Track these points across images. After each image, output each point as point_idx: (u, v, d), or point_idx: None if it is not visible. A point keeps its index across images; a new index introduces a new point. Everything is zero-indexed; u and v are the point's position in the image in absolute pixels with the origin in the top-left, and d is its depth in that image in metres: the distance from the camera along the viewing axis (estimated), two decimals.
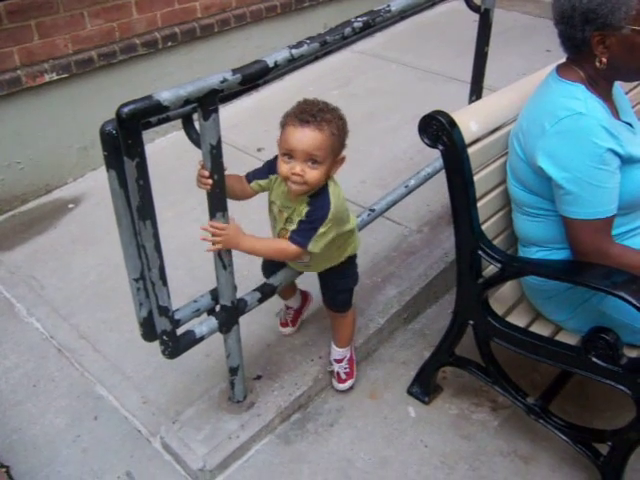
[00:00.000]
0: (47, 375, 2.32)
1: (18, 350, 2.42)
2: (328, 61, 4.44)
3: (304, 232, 1.68)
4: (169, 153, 3.41)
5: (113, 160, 1.50)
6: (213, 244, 1.67)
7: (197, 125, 1.56)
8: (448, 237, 2.68)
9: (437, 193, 2.96)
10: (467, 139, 1.72)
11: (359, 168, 3.25)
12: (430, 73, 4.31)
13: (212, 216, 1.65)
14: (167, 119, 1.58)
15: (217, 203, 1.63)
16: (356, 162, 3.31)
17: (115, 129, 1.45)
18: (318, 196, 1.69)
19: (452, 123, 1.70)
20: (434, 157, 2.49)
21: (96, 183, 3.34)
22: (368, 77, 4.32)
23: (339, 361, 2.16)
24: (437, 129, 1.71)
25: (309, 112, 1.61)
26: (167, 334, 1.70)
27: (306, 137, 1.59)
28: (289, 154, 1.62)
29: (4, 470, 2.00)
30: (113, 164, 1.51)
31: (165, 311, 1.67)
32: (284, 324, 2.33)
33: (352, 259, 1.98)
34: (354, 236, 1.93)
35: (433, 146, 1.75)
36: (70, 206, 3.20)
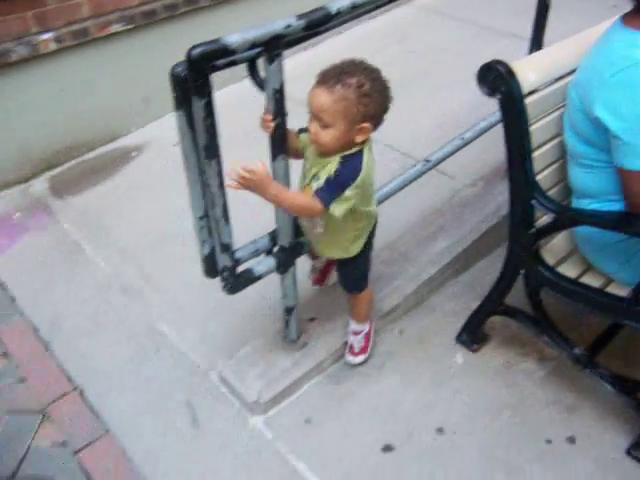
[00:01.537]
0: (113, 310, 2.46)
1: (87, 287, 2.57)
2: (388, 17, 4.45)
3: (331, 190, 1.64)
4: (228, 104, 3.48)
5: (182, 101, 1.57)
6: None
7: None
8: (501, 192, 2.69)
9: (492, 149, 2.93)
10: (525, 89, 1.73)
11: (416, 122, 3.27)
12: (489, 30, 4.24)
13: (273, 159, 1.72)
14: (233, 63, 1.64)
15: (278, 146, 1.69)
16: (413, 116, 3.33)
17: (185, 71, 1.52)
18: (352, 157, 1.66)
19: (510, 72, 1.71)
20: (490, 113, 2.50)
21: (158, 133, 3.45)
22: (427, 33, 4.28)
23: (356, 333, 2.16)
24: (495, 78, 1.73)
25: (332, 73, 1.60)
26: (228, 270, 1.80)
27: (315, 97, 1.59)
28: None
29: (78, 392, 2.16)
30: (182, 105, 1.58)
31: (227, 248, 1.76)
32: (315, 281, 2.37)
33: (364, 252, 1.95)
34: (365, 230, 1.90)
35: (491, 95, 1.76)
36: (133, 154, 3.33)
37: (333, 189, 1.64)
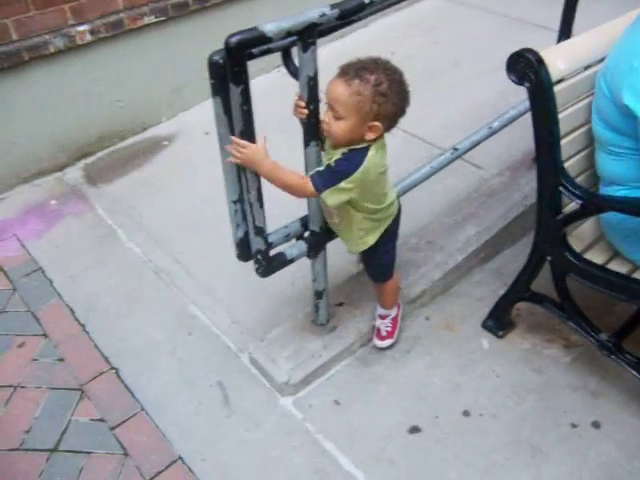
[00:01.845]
0: (146, 294, 2.54)
1: (120, 271, 2.65)
2: (414, 9, 4.47)
3: (326, 177, 1.68)
4: (258, 94, 3.54)
5: (219, 88, 1.62)
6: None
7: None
8: (528, 182, 2.72)
9: (519, 139, 2.97)
10: (554, 77, 1.75)
11: (442, 112, 3.30)
12: (516, 21, 4.25)
13: (306, 145, 1.77)
14: (269, 51, 1.69)
15: (311, 132, 1.74)
16: (439, 107, 3.36)
17: (222, 59, 1.57)
18: (356, 152, 1.68)
19: (540, 61, 1.74)
20: (517, 103, 2.52)
21: (188, 123, 3.53)
22: (454, 24, 4.30)
23: (383, 317, 2.21)
24: (525, 66, 1.75)
25: (353, 67, 1.63)
26: (261, 253, 1.85)
27: (332, 86, 1.64)
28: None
29: (114, 371, 2.24)
30: (219, 91, 1.63)
31: (261, 231, 1.81)
32: None
33: (386, 244, 1.99)
34: (377, 226, 1.92)
35: (520, 83, 1.79)
36: (164, 143, 3.40)
37: (328, 177, 1.68)
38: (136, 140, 3.45)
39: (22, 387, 2.21)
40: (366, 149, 1.69)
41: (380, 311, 2.21)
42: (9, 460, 1.98)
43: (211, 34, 3.45)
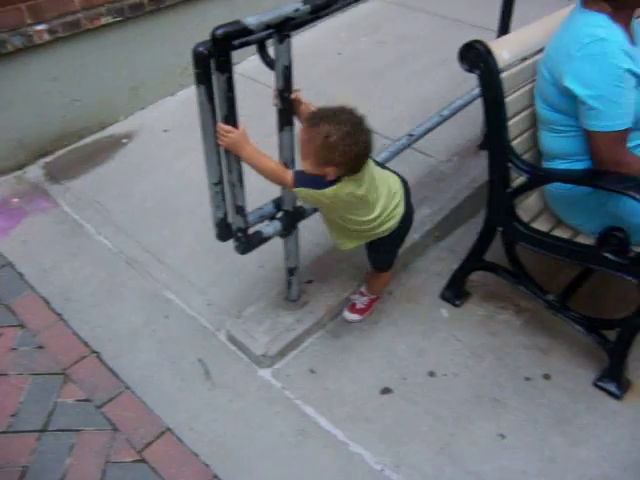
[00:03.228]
0: (120, 282, 2.63)
1: (92, 262, 2.72)
2: (359, 10, 4.67)
3: (307, 179, 1.82)
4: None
5: (203, 76, 1.75)
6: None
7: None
8: (475, 166, 2.96)
9: (463, 128, 3.22)
10: (500, 65, 1.98)
11: (390, 108, 3.51)
12: (455, 21, 4.51)
13: (280, 130, 1.92)
14: (247, 43, 1.84)
15: (285, 117, 1.89)
16: (388, 102, 3.57)
17: (206, 49, 1.71)
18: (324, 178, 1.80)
19: (488, 51, 1.95)
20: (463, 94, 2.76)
21: (145, 121, 3.61)
22: (396, 25, 4.53)
23: (362, 294, 2.40)
24: (475, 56, 1.97)
25: (317, 115, 1.76)
26: (242, 231, 1.99)
27: (300, 130, 1.79)
28: None
29: (95, 355, 2.32)
30: (202, 80, 1.76)
31: (241, 210, 1.95)
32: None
33: (385, 245, 2.13)
34: (358, 236, 2.05)
35: (471, 71, 2.00)
36: (124, 141, 3.48)
37: (307, 180, 1.82)
38: (95, 138, 3.51)
39: (3, 375, 2.26)
40: (331, 182, 1.80)
41: (363, 289, 2.40)
42: None
43: (167, 35, 3.57)
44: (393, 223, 2.04)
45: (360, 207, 1.93)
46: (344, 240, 2.10)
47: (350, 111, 1.77)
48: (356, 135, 1.74)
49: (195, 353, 2.33)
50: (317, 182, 1.82)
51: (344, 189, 1.81)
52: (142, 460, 1.99)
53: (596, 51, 1.80)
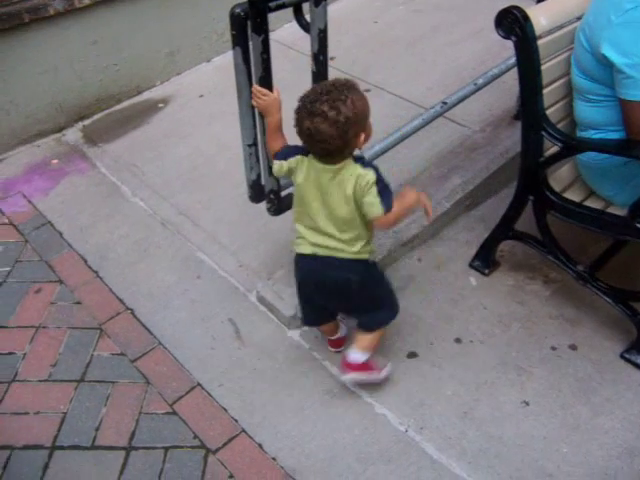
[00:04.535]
0: (154, 243, 2.70)
1: (128, 223, 2.80)
2: None
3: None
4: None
5: (239, 38, 1.78)
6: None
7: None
8: (509, 136, 2.94)
9: (498, 98, 3.19)
10: (537, 32, 1.96)
11: (425, 76, 3.48)
12: None
13: None
14: (283, 5, 1.85)
15: (321, 80, 1.91)
16: (423, 71, 3.54)
17: (243, 11, 1.73)
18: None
19: (525, 17, 1.94)
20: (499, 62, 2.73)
21: (181, 86, 3.65)
22: None
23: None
24: (512, 22, 1.95)
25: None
26: (274, 193, 2.03)
27: None
28: None
29: (129, 312, 2.40)
30: (239, 42, 1.79)
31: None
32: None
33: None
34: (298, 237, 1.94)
35: (507, 37, 1.99)
36: (160, 105, 3.53)
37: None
38: (132, 103, 3.57)
39: (44, 327, 2.36)
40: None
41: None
42: (40, 389, 2.14)
43: (204, 0, 3.59)
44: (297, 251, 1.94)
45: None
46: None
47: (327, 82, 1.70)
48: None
49: (226, 313, 2.39)
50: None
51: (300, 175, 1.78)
52: (173, 412, 2.07)
53: (637, 18, 1.77)
